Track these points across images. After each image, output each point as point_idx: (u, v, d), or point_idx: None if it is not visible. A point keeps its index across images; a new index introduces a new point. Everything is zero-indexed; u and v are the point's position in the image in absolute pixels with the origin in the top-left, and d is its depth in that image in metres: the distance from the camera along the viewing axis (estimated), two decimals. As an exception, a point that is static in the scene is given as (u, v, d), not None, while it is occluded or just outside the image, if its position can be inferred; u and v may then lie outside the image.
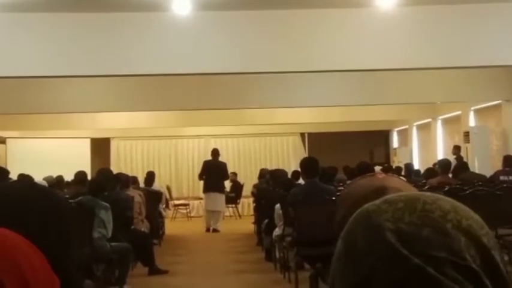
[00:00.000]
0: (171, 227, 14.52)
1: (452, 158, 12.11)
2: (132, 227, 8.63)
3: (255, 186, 13.85)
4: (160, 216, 12.76)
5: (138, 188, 11.06)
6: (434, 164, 12.00)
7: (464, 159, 13.36)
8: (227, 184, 16.14)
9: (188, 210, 18.06)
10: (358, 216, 0.80)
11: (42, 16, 7.66)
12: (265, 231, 9.71)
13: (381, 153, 20.55)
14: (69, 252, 1.12)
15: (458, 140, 14.63)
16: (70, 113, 14.26)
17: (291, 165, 17.64)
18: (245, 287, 8.22)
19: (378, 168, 10.45)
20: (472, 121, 14.43)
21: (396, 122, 19.12)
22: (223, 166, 14.83)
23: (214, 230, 14.39)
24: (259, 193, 11.95)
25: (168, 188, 17.44)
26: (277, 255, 8.90)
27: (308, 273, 7.71)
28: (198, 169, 15.98)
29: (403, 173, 12.36)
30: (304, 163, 7.83)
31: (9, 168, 9.55)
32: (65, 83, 11.32)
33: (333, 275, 0.80)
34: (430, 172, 10.67)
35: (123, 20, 7.73)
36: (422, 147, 18.21)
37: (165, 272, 8.90)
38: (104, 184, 7.68)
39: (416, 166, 15.92)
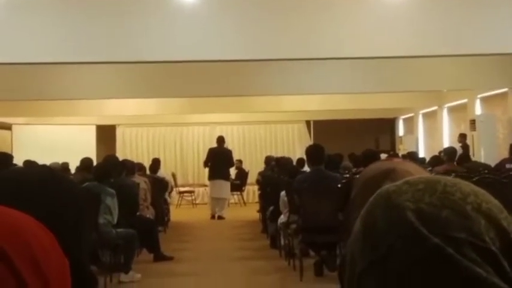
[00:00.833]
0: (176, 214, 14.55)
1: (458, 146, 12.09)
2: (138, 213, 8.65)
3: (260, 173, 13.86)
4: (166, 203, 12.79)
5: (144, 174, 11.08)
6: (440, 152, 11.98)
7: (470, 148, 13.35)
8: (232, 171, 16.15)
9: (193, 197, 18.10)
10: (378, 196, 0.81)
11: (48, 2, 7.65)
12: (270, 219, 9.73)
13: (387, 141, 20.53)
14: (81, 236, 1.12)
15: (464, 128, 14.59)
16: (76, 99, 14.27)
17: (296, 153, 17.65)
18: (250, 273, 8.24)
19: (383, 155, 10.43)
20: (478, 109, 14.39)
21: (402, 109, 19.08)
22: (228, 153, 14.84)
23: (219, 217, 14.42)
24: (264, 180, 11.96)
25: (174, 175, 17.47)
26: (282, 242, 8.92)
27: (313, 260, 7.74)
28: (203, 156, 16.00)
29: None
30: (310, 150, 7.84)
31: (14, 154, 9.56)
32: (71, 69, 11.33)
33: (352, 255, 0.80)
34: (436, 160, 10.64)
35: (130, 6, 7.71)
36: (428, 135, 18.18)
37: (170, 259, 8.93)
38: (110, 170, 7.70)
39: (422, 154, 15.91)
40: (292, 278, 7.69)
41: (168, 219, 12.95)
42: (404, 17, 7.85)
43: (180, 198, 17.75)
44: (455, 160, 9.49)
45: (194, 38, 7.80)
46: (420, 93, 15.43)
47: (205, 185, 17.12)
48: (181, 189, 18.11)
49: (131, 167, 9.80)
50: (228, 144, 15.94)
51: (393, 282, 0.74)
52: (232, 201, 16.70)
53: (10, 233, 0.78)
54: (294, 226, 7.78)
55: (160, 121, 19.16)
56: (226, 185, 14.89)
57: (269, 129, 20.39)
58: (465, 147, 13.13)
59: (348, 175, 8.13)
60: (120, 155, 15.24)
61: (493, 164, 9.86)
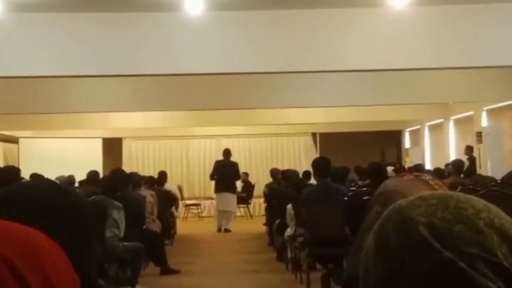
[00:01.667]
0: (182, 227, 14.54)
1: (464, 159, 12.06)
2: (144, 226, 8.65)
3: (267, 186, 13.86)
4: (172, 216, 12.79)
5: (150, 187, 11.09)
6: (447, 165, 11.95)
7: (477, 160, 13.32)
8: (238, 184, 16.15)
9: (200, 210, 18.09)
10: (391, 211, 0.81)
11: (55, 16, 7.68)
12: (277, 232, 9.71)
13: (393, 153, 20.50)
14: (89, 252, 1.12)
15: (471, 141, 14.57)
16: (82, 112, 14.31)
17: (302, 166, 17.63)
18: (257, 287, 8.22)
19: (390, 168, 10.41)
20: (484, 121, 14.36)
21: (408, 122, 19.07)
22: (234, 166, 14.84)
23: (226, 230, 14.41)
24: (270, 193, 11.95)
25: (180, 188, 17.47)
26: (289, 255, 8.90)
27: (320, 274, 7.71)
28: (209, 169, 16.01)
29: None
30: (316, 163, 7.83)
31: (21, 167, 9.58)
32: (77, 83, 11.36)
33: (365, 269, 0.80)
34: (439, 173, 10.63)
35: (135, 19, 7.74)
36: (435, 148, 18.15)
37: (177, 272, 8.92)
38: (117, 184, 7.70)
39: (428, 166, 15.86)
40: (299, 291, 7.66)
41: (175, 232, 12.94)
42: (409, 30, 7.86)
43: (187, 211, 17.74)
44: (462, 173, 9.47)
45: (200, 52, 7.82)
46: (426, 106, 15.42)
47: (212, 198, 17.11)
48: (188, 202, 18.10)
49: (138, 180, 9.81)
50: (234, 157, 15.94)
51: None
52: (238, 214, 16.68)
53: (21, 249, 0.79)
54: (300, 239, 7.76)
55: (166, 134, 19.19)
56: (233, 197, 14.89)
57: (275, 141, 20.39)
58: (472, 159, 13.10)
59: (354, 188, 8.11)
60: (127, 168, 15.25)
61: (499, 177, 9.83)
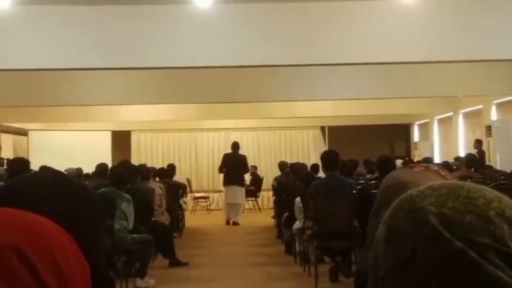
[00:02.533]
0: (191, 220, 14.57)
1: (474, 152, 12.03)
2: (153, 219, 8.67)
3: (275, 179, 13.87)
4: (180, 209, 12.81)
5: (161, 180, 11.14)
6: (457, 158, 11.93)
7: (486, 154, 13.28)
8: (247, 177, 16.16)
9: (208, 203, 18.11)
10: (402, 201, 0.81)
11: (64, 9, 7.69)
12: (285, 224, 9.72)
13: (401, 147, 20.46)
14: (97, 243, 1.13)
15: (480, 134, 14.52)
16: (91, 105, 14.34)
17: (311, 159, 17.62)
18: (265, 279, 8.24)
19: (398, 162, 10.40)
20: (494, 115, 14.31)
21: (417, 115, 19.02)
22: (243, 159, 14.86)
23: (234, 223, 14.43)
24: (279, 186, 11.96)
25: (188, 181, 17.50)
26: (297, 248, 8.91)
27: (328, 266, 7.72)
28: (218, 162, 16.03)
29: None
30: (325, 156, 7.83)
31: (31, 160, 9.61)
32: (87, 76, 11.38)
33: (375, 259, 0.80)
34: (446, 166, 10.61)
35: (144, 12, 7.74)
36: (444, 141, 18.10)
37: (186, 264, 8.94)
38: (127, 176, 7.72)
39: (437, 160, 15.83)
40: (308, 284, 7.67)
41: (183, 225, 12.96)
42: (419, 23, 7.83)
43: (195, 204, 17.77)
44: (473, 167, 9.46)
45: (208, 45, 7.81)
46: (435, 99, 15.37)
47: (220, 191, 17.13)
48: (196, 194, 18.13)
49: (147, 173, 9.83)
50: (243, 150, 15.95)
51: (416, 285, 0.75)
52: (247, 207, 16.71)
53: (31, 236, 0.79)
54: (309, 232, 7.77)
55: (175, 127, 19.20)
56: (241, 190, 14.90)
57: (284, 135, 20.38)
58: (481, 153, 13.06)
59: (363, 181, 8.11)
60: (135, 161, 15.32)
61: (509, 170, 9.80)
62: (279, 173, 14.16)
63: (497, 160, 12.76)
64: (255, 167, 17.68)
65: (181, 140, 20.29)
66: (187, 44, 7.80)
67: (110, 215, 6.77)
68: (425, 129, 19.57)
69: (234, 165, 14.54)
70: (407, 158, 15.35)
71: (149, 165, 13.36)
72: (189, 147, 20.29)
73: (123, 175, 7.66)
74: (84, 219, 1.11)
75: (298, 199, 8.49)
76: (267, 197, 17.78)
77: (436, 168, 1.63)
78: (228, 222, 14.58)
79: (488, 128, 13.56)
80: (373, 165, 9.89)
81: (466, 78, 11.97)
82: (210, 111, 16.11)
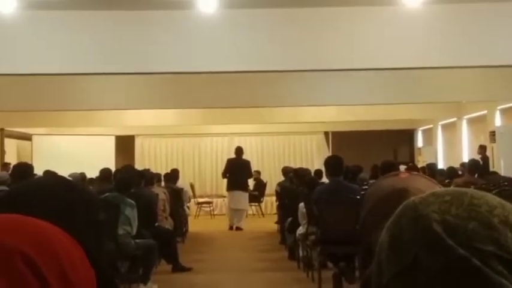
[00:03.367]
0: (194, 225, 14.56)
1: (478, 158, 12.00)
2: (156, 224, 8.67)
3: (279, 184, 13.87)
4: (184, 214, 12.81)
5: (166, 185, 11.16)
6: (462, 164, 11.91)
7: (490, 159, 13.26)
8: (250, 182, 16.15)
9: (211, 208, 18.10)
10: (404, 207, 0.81)
11: (68, 14, 7.71)
12: (289, 230, 9.71)
13: (405, 152, 20.44)
14: (101, 248, 1.13)
15: (484, 140, 14.50)
16: (95, 110, 14.36)
17: (315, 164, 17.62)
18: (268, 285, 8.23)
19: (402, 167, 10.38)
20: (498, 120, 14.29)
21: (421, 121, 19.01)
22: (246, 164, 14.85)
23: (238, 228, 14.42)
24: (282, 191, 11.95)
25: (192, 186, 17.50)
26: (301, 253, 8.90)
27: (331, 272, 7.70)
28: (221, 167, 16.03)
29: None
30: (329, 161, 7.83)
31: (35, 164, 9.62)
32: (91, 80, 11.40)
33: (378, 266, 0.80)
34: (452, 171, 10.60)
35: (148, 17, 7.76)
36: (448, 147, 18.08)
37: (189, 270, 8.93)
38: (131, 181, 7.72)
39: (441, 165, 15.81)
40: (311, 289, 7.66)
41: (187, 230, 12.96)
42: (423, 29, 7.83)
43: (198, 209, 17.76)
44: (476, 173, 9.44)
45: (212, 50, 7.83)
46: (439, 105, 15.36)
47: (224, 196, 17.12)
48: (200, 199, 18.13)
49: (150, 178, 9.83)
50: (247, 155, 15.94)
51: None
52: (250, 212, 16.70)
53: (38, 242, 0.79)
54: (312, 237, 7.76)
55: (178, 132, 19.22)
56: (245, 196, 14.90)
57: (287, 140, 20.38)
58: (485, 159, 13.04)
59: (366, 187, 8.09)
60: (139, 166, 15.32)
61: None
62: (282, 178, 14.15)
63: (501, 166, 12.74)
64: (258, 172, 17.67)
65: (185, 144, 20.30)
66: (191, 49, 7.81)
67: (113, 220, 6.76)
68: (429, 134, 19.55)
69: (237, 170, 14.54)
70: (411, 164, 15.32)
71: (153, 170, 13.37)
72: (192, 152, 20.31)
73: (127, 180, 7.66)
74: (87, 225, 1.12)
75: (301, 204, 8.48)
76: (270, 202, 17.78)
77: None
78: (231, 227, 14.57)
79: (493, 134, 13.54)
80: (376, 171, 9.86)
81: (469, 84, 11.96)
82: (214, 116, 16.12)
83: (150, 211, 8.15)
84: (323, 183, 8.87)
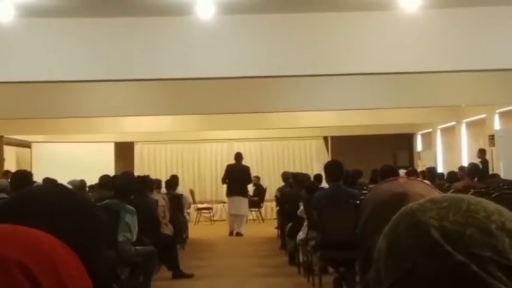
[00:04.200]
0: (194, 231, 14.55)
1: (477, 162, 12.01)
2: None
3: (278, 189, 13.86)
4: (184, 220, 12.79)
5: (167, 191, 11.16)
6: (461, 168, 11.91)
7: (490, 163, 13.26)
8: (250, 188, 16.14)
9: (211, 214, 18.09)
10: (402, 214, 0.81)
11: (66, 21, 7.72)
12: (289, 235, 9.70)
13: (405, 156, 20.44)
14: (100, 256, 1.13)
15: (483, 144, 14.50)
16: (94, 117, 14.36)
17: (314, 169, 17.61)
18: (269, 290, 8.21)
19: (402, 171, 10.38)
20: (497, 124, 14.29)
21: (420, 125, 19.01)
22: (246, 170, 14.85)
23: (238, 234, 14.41)
24: (282, 197, 11.94)
25: (192, 192, 17.49)
26: (301, 259, 8.89)
27: (332, 277, 7.69)
28: (221, 173, 16.02)
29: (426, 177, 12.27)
30: (329, 166, 7.82)
31: (34, 172, 9.62)
32: (89, 87, 11.41)
33: (377, 272, 0.80)
34: (452, 176, 10.60)
35: (146, 24, 7.77)
36: (447, 151, 18.08)
37: (190, 276, 8.92)
38: (131, 188, 7.71)
39: (440, 169, 15.81)
40: (311, 295, 7.65)
41: (187, 236, 12.95)
42: (421, 33, 7.84)
43: (198, 215, 17.75)
44: (476, 176, 9.44)
45: (211, 56, 7.83)
46: (438, 109, 15.37)
47: (224, 202, 17.12)
48: (200, 205, 18.11)
49: (150, 184, 9.83)
50: (246, 161, 15.94)
51: None
52: (250, 217, 16.68)
53: (35, 253, 0.79)
54: (312, 243, 7.75)
55: (178, 138, 19.23)
56: (245, 201, 14.89)
57: (287, 145, 20.38)
58: (484, 162, 13.04)
59: (366, 191, 8.09)
60: (138, 172, 15.31)
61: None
62: (282, 183, 14.15)
63: (500, 169, 12.73)
64: (258, 178, 17.67)
65: (185, 151, 20.31)
66: (189, 55, 7.81)
67: (113, 226, 6.75)
68: (428, 138, 19.56)
69: (237, 176, 14.54)
70: (410, 168, 15.33)
71: (152, 176, 13.36)
72: (192, 158, 20.31)
73: (127, 187, 7.65)
74: (87, 233, 1.11)
75: (301, 208, 8.47)
76: (270, 207, 17.77)
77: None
78: (231, 233, 14.56)
79: (492, 138, 13.54)
80: (376, 175, 9.86)
81: (468, 88, 11.97)
82: (213, 122, 16.13)
83: (152, 218, 8.14)
84: (323, 188, 8.86)
